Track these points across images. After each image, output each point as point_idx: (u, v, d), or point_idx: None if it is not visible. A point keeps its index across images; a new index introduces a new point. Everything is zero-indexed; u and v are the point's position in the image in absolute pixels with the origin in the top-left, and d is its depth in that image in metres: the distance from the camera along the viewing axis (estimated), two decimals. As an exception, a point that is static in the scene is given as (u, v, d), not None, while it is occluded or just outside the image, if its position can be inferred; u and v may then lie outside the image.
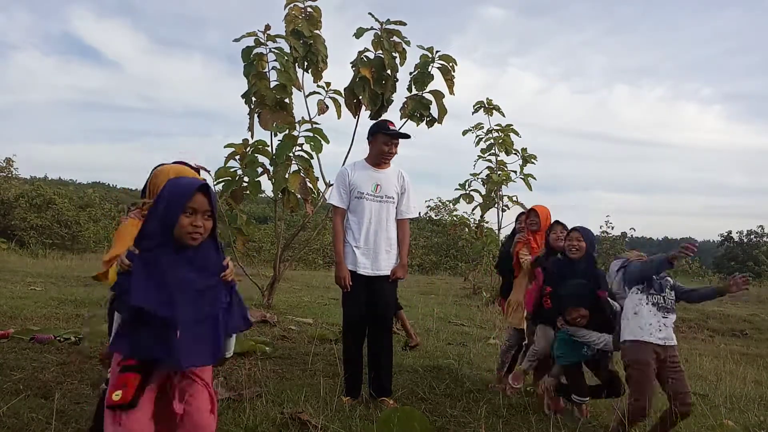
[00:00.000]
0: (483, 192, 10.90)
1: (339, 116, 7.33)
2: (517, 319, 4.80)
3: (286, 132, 6.98)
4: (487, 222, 11.92)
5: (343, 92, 7.18)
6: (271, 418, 3.40)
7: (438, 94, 6.98)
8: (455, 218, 14.16)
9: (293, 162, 7.08)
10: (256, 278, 8.63)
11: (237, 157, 7.12)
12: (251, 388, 3.98)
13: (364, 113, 7.18)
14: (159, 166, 2.87)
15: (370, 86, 6.88)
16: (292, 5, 7.18)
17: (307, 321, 7.25)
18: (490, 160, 10.86)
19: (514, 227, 5.31)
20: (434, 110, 6.99)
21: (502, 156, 10.79)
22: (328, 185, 7.45)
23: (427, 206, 27.69)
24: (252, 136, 7.18)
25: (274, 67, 7.01)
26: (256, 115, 7.09)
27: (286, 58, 6.99)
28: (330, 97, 7.37)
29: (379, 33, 6.88)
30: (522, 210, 5.48)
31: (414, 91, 7.00)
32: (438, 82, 6.99)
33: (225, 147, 7.11)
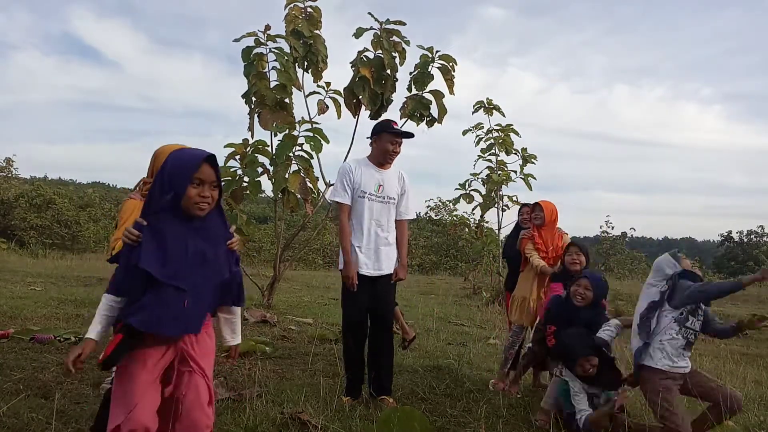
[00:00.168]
0: (483, 192, 10.91)
1: (339, 116, 7.36)
2: (519, 316, 4.81)
3: (286, 132, 6.99)
4: (487, 222, 11.95)
5: (342, 92, 7.19)
6: (271, 418, 3.40)
7: (438, 94, 6.99)
8: (455, 218, 14.14)
9: (293, 162, 7.08)
10: (256, 278, 8.64)
11: (237, 157, 7.11)
12: (251, 388, 3.98)
13: (364, 113, 7.20)
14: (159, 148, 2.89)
15: (369, 86, 6.89)
16: (292, 5, 7.19)
17: (307, 321, 7.25)
18: (490, 160, 10.87)
19: (518, 220, 5.38)
20: (434, 110, 7.01)
21: (502, 156, 10.81)
22: (328, 185, 7.45)
23: (427, 206, 27.78)
24: (252, 136, 7.21)
25: (274, 67, 7.02)
26: (256, 115, 7.10)
27: (286, 58, 7.00)
28: (330, 97, 7.40)
29: (379, 33, 6.89)
30: (524, 203, 5.48)
31: (414, 91, 7.02)
32: (438, 82, 7.01)
33: (225, 147, 7.13)
